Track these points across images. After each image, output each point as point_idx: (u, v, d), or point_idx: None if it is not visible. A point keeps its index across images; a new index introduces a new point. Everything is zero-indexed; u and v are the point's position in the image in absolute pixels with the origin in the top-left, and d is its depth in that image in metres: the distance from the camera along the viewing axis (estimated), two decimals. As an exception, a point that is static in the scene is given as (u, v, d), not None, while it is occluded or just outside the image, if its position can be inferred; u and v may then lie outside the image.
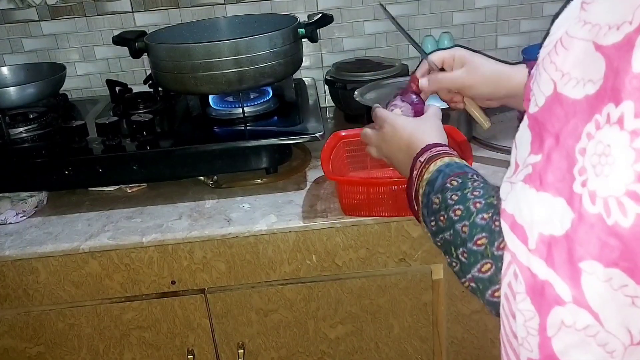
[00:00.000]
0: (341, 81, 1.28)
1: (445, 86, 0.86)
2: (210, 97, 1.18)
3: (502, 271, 0.45)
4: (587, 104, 0.39)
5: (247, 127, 1.11)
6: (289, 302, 1.00)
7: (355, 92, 1.14)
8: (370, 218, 0.94)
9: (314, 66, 1.42)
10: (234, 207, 1.00)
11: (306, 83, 1.34)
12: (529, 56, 1.26)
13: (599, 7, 0.39)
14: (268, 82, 1.12)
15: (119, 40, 1.16)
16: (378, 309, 1.02)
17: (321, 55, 1.41)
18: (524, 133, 0.44)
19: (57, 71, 1.25)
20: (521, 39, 1.41)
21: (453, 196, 0.57)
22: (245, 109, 1.13)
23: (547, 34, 0.43)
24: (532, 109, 0.43)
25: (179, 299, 0.99)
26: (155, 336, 1.02)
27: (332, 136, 1.01)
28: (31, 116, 1.19)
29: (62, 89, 1.28)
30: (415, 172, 0.67)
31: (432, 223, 0.60)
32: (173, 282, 0.97)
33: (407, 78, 1.17)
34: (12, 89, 1.16)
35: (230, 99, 1.18)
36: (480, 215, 0.52)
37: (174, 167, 1.07)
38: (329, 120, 1.37)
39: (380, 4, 1.00)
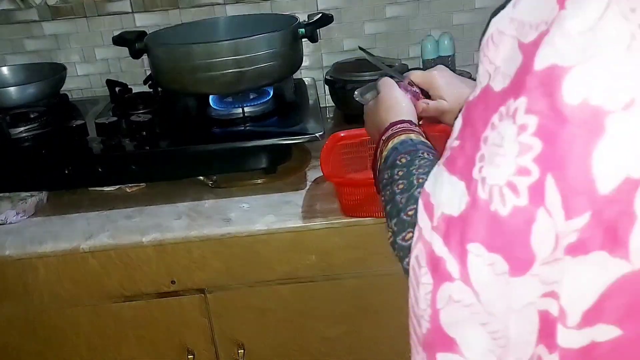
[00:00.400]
0: (341, 81, 1.28)
1: (431, 114, 0.86)
2: (210, 98, 1.18)
3: (412, 244, 0.47)
4: (500, 96, 0.40)
5: (247, 128, 1.12)
6: (287, 301, 1.01)
7: (355, 92, 1.13)
8: (369, 218, 0.94)
9: (313, 66, 1.42)
10: (233, 207, 1.01)
11: (306, 83, 1.34)
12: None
13: (525, 6, 0.40)
14: (268, 83, 1.13)
15: (119, 41, 1.16)
16: (375, 308, 1.02)
17: (321, 55, 1.42)
18: (458, 121, 0.46)
19: (57, 71, 1.25)
20: (521, 40, 1.41)
21: (399, 172, 0.58)
22: (245, 109, 1.13)
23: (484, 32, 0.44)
24: (470, 98, 0.45)
25: (178, 298, 1.00)
26: (154, 335, 1.02)
27: (331, 138, 1.01)
28: (31, 116, 1.19)
29: (62, 89, 1.28)
30: (378, 150, 0.69)
31: (382, 198, 0.62)
32: (172, 282, 0.98)
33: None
34: (12, 88, 1.17)
35: (229, 99, 1.18)
36: (418, 189, 0.54)
37: (174, 167, 1.07)
38: (328, 120, 1.37)
39: (360, 47, 1.00)
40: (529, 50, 0.38)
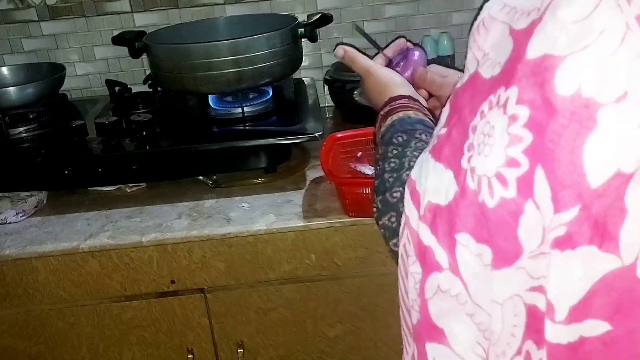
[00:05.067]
0: (340, 81, 1.28)
1: (433, 81, 0.82)
2: (210, 97, 1.18)
3: (400, 231, 0.47)
4: (489, 84, 0.40)
5: (247, 127, 1.12)
6: (288, 301, 1.01)
7: (355, 92, 1.14)
8: (369, 218, 0.94)
9: (313, 66, 1.42)
10: (233, 206, 1.01)
11: (305, 83, 1.34)
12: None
13: None
14: (267, 82, 1.13)
15: (118, 40, 1.16)
16: (377, 308, 1.02)
17: (320, 55, 1.42)
18: (446, 107, 0.45)
19: (56, 71, 1.25)
20: (520, 39, 1.41)
21: (394, 150, 0.58)
22: (245, 109, 1.13)
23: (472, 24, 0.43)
24: (457, 85, 0.44)
25: (179, 298, 1.00)
26: (155, 335, 1.02)
27: (328, 138, 1.01)
28: (31, 116, 1.19)
29: (61, 89, 1.28)
30: (377, 125, 0.68)
31: (375, 171, 0.61)
32: (172, 282, 0.98)
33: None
34: (12, 89, 1.17)
35: (229, 98, 1.18)
36: (407, 172, 0.53)
37: (174, 167, 1.07)
38: (328, 120, 1.37)
39: (356, 27, 0.99)
40: (520, 38, 0.38)
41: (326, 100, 1.41)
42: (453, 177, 0.41)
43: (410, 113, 0.64)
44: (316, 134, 1.03)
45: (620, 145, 0.34)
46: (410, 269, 0.45)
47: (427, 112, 0.65)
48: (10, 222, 1.01)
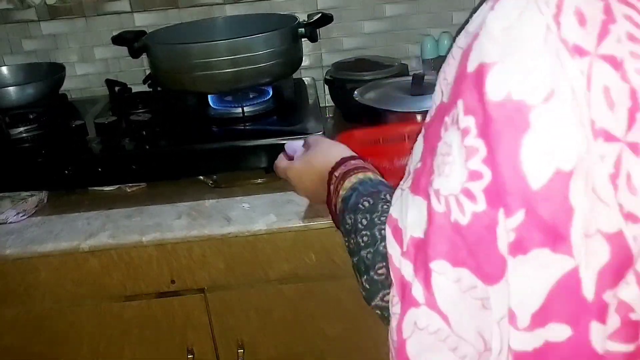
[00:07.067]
0: (340, 81, 1.28)
1: None
2: (210, 97, 1.18)
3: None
4: (444, 107, 0.40)
5: (247, 127, 1.12)
6: (288, 300, 1.01)
7: (355, 92, 1.14)
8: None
9: (313, 66, 1.42)
10: (233, 206, 1.01)
11: (305, 83, 1.34)
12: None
13: (474, 17, 0.40)
14: (267, 82, 1.13)
15: (118, 40, 1.16)
16: (377, 307, 1.02)
17: (321, 55, 1.42)
18: (419, 143, 0.45)
19: (56, 71, 1.25)
20: (519, 39, 1.41)
21: (363, 220, 0.56)
22: (245, 109, 1.13)
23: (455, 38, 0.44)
24: (427, 118, 0.44)
25: (179, 298, 1.00)
26: (155, 334, 1.02)
27: (340, 137, 0.99)
28: (31, 116, 1.19)
29: (61, 89, 1.28)
30: (332, 187, 0.67)
31: (346, 243, 0.60)
32: (173, 281, 0.98)
33: (407, 78, 1.18)
34: (11, 89, 1.17)
35: (229, 98, 1.18)
36: (383, 244, 0.51)
37: (173, 167, 1.07)
38: (328, 120, 1.37)
39: None
40: (464, 56, 0.39)
41: (326, 100, 1.41)
42: (426, 206, 0.41)
43: (370, 175, 0.64)
44: (316, 134, 1.03)
45: (555, 143, 0.34)
46: (393, 309, 0.43)
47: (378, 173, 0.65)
48: (10, 222, 1.01)
